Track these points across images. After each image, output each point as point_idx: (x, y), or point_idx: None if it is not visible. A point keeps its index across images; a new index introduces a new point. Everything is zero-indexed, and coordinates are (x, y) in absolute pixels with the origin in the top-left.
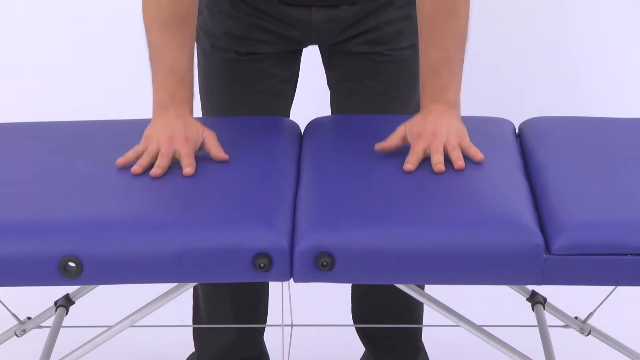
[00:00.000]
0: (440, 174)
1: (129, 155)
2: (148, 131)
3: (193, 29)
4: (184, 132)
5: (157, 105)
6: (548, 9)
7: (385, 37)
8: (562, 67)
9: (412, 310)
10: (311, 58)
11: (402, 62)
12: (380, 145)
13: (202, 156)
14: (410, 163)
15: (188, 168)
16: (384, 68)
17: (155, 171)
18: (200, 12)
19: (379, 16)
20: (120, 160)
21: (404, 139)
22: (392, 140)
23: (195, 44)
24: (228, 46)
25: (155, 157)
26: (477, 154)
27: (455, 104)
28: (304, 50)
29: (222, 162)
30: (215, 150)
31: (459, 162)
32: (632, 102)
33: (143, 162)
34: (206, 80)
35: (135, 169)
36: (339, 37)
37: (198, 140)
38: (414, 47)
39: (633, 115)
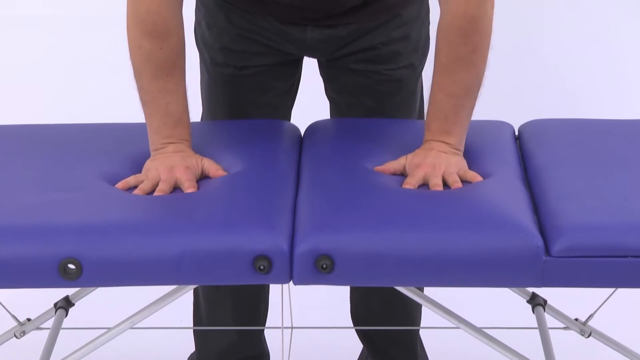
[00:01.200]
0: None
1: (130, 181)
2: (148, 165)
3: (183, 70)
4: (183, 162)
5: (155, 147)
6: (548, 10)
7: (383, 57)
8: (562, 69)
9: (410, 312)
10: (313, 61)
11: (400, 81)
12: (379, 168)
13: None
14: (409, 184)
15: (190, 189)
16: (381, 86)
17: (157, 195)
18: (199, 23)
19: (375, 36)
20: (120, 185)
21: (403, 168)
22: (391, 167)
23: (198, 55)
24: (226, 61)
25: (156, 184)
26: (475, 177)
27: (457, 147)
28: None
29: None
30: (214, 170)
31: (455, 184)
32: (632, 104)
33: (145, 187)
34: (208, 94)
35: (137, 192)
36: (335, 54)
37: (198, 169)
38: (411, 66)
39: (633, 117)
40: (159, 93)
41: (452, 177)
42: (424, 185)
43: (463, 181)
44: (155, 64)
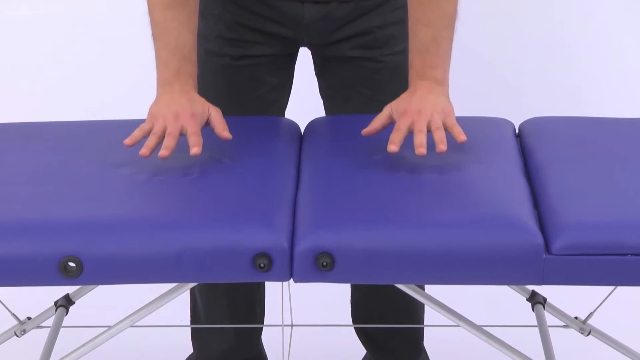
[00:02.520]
0: (421, 156)
1: (136, 134)
2: (153, 108)
3: (196, 7)
4: (190, 108)
5: (162, 82)
6: (548, 8)
7: (379, 41)
8: (562, 67)
9: (413, 312)
10: (309, 58)
11: (395, 68)
12: (367, 129)
13: (201, 156)
14: (394, 143)
15: (195, 148)
16: (378, 75)
17: (163, 153)
18: None
19: (372, 18)
20: (128, 141)
21: (390, 118)
22: (379, 121)
23: None
24: (221, 51)
25: (162, 137)
26: (460, 134)
27: (442, 82)
28: (301, 52)
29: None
30: (220, 127)
31: (441, 145)
32: (632, 102)
33: (150, 143)
34: (202, 86)
35: (144, 151)
36: (332, 37)
37: (204, 117)
38: (406, 51)
39: (633, 115)
40: (171, 22)
41: (438, 133)
42: (411, 132)
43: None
44: None
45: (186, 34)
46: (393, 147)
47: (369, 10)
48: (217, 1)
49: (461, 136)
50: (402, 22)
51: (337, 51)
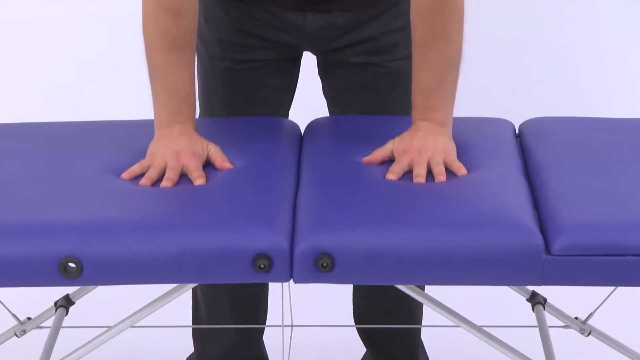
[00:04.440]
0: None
1: (135, 169)
2: (153, 148)
3: (194, 49)
4: (190, 147)
5: (161, 124)
6: (548, 8)
7: (381, 48)
8: (562, 67)
9: (412, 313)
10: (312, 58)
11: (398, 74)
12: (367, 159)
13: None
14: (393, 173)
15: (199, 180)
16: (380, 80)
17: (165, 183)
18: None
19: (374, 26)
20: (126, 175)
21: (391, 153)
22: (380, 153)
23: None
24: (223, 55)
25: (163, 172)
26: (460, 169)
27: (445, 123)
28: (305, 53)
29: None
30: (220, 160)
31: (439, 176)
32: (632, 102)
33: (152, 174)
34: (205, 90)
35: (144, 181)
36: (334, 44)
37: (204, 155)
38: (409, 57)
39: (633, 116)
40: (171, 67)
41: (437, 167)
42: (409, 172)
43: (448, 172)
44: (170, 38)
45: (185, 78)
46: (391, 176)
47: (372, 18)
48: (219, 6)
49: (461, 170)
50: (405, 29)
51: (340, 57)
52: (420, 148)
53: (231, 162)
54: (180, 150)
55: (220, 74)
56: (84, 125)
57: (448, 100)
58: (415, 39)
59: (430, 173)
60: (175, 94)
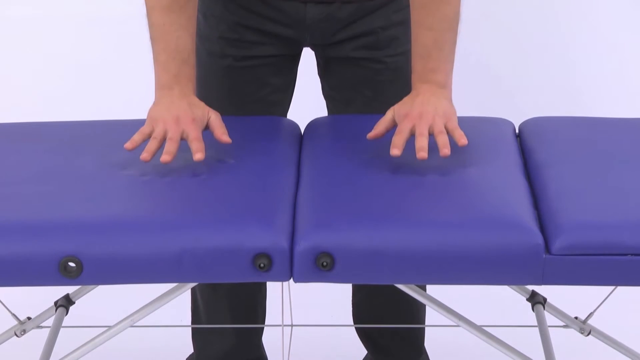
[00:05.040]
0: (422, 160)
1: (136, 138)
2: (153, 112)
3: (195, 10)
4: (190, 112)
5: (161, 86)
6: (548, 8)
7: (381, 42)
8: (562, 67)
9: (414, 314)
10: (311, 58)
11: (398, 70)
12: (371, 133)
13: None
14: (396, 147)
15: (198, 153)
16: (380, 76)
17: (165, 157)
18: None
19: (375, 19)
20: (128, 145)
21: (393, 121)
22: (382, 124)
23: None
24: (224, 52)
25: (163, 141)
26: (461, 137)
27: (445, 85)
28: (304, 53)
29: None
30: (220, 131)
31: (444, 149)
32: (632, 102)
33: (151, 147)
34: (204, 87)
35: (144, 155)
36: (334, 37)
37: (204, 120)
38: (409, 52)
39: (633, 115)
40: (171, 26)
41: (441, 137)
42: (412, 135)
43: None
44: None
45: (185, 38)
46: (395, 150)
47: (372, 11)
48: (218, 1)
49: (462, 139)
50: (405, 23)
51: (340, 52)
52: (421, 111)
53: (231, 161)
54: (180, 115)
55: (221, 72)
56: (84, 124)
57: (447, 61)
58: (414, 0)
59: (432, 143)
60: (175, 54)
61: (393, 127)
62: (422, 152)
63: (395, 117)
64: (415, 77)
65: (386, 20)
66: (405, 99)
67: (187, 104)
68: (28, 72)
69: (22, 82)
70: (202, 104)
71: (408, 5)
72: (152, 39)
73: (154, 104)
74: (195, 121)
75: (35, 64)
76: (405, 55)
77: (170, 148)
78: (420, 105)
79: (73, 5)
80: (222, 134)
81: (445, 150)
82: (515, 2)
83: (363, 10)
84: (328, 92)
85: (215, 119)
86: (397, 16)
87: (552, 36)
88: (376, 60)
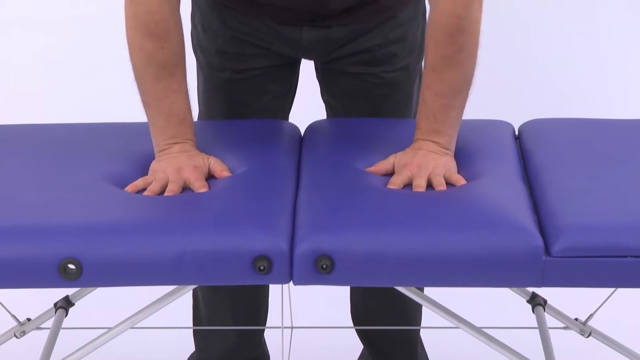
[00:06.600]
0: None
1: (138, 183)
2: (154, 166)
3: (184, 70)
4: (191, 162)
5: (160, 148)
6: (548, 10)
7: (379, 60)
8: (562, 69)
9: (410, 312)
10: (310, 62)
11: (395, 84)
12: (370, 170)
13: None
14: (393, 184)
15: (202, 189)
16: (377, 89)
17: (167, 195)
18: (195, 27)
19: (371, 38)
20: (130, 188)
21: (393, 166)
22: (383, 165)
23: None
24: (222, 65)
25: (166, 185)
26: (459, 181)
27: (447, 147)
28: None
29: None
30: (219, 170)
31: (439, 186)
32: (632, 104)
33: (154, 188)
34: (205, 99)
35: (147, 193)
36: (331, 55)
37: (205, 168)
38: (407, 68)
39: (633, 117)
40: (162, 93)
41: (437, 178)
42: (409, 185)
43: (448, 184)
44: (158, 65)
45: (179, 101)
46: (392, 186)
47: (369, 31)
48: (216, 16)
49: (461, 182)
50: (403, 40)
51: (338, 66)
52: (421, 163)
53: (231, 164)
54: (182, 165)
55: (221, 84)
56: (84, 127)
57: (453, 126)
58: (426, 59)
59: (430, 185)
60: (170, 118)
61: (392, 172)
62: (419, 188)
63: (395, 164)
64: (418, 134)
65: (383, 39)
66: (407, 150)
67: (187, 156)
68: (28, 72)
69: (23, 82)
70: (201, 154)
71: (406, 22)
72: (145, 103)
73: (154, 161)
74: (196, 168)
75: (36, 63)
76: (403, 71)
77: (172, 188)
78: (421, 158)
79: (73, 6)
80: (222, 171)
81: (440, 187)
82: (515, 2)
83: (359, 31)
84: (326, 98)
85: (215, 162)
86: (394, 34)
87: (551, 38)
88: (374, 75)
